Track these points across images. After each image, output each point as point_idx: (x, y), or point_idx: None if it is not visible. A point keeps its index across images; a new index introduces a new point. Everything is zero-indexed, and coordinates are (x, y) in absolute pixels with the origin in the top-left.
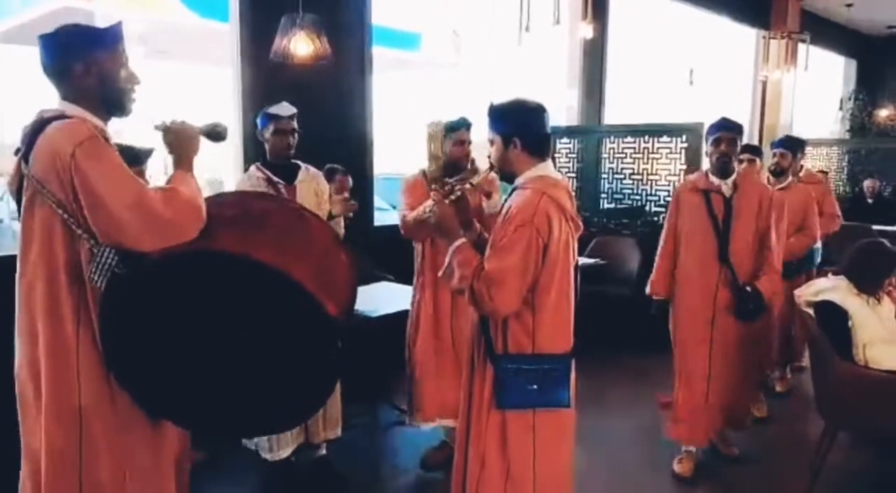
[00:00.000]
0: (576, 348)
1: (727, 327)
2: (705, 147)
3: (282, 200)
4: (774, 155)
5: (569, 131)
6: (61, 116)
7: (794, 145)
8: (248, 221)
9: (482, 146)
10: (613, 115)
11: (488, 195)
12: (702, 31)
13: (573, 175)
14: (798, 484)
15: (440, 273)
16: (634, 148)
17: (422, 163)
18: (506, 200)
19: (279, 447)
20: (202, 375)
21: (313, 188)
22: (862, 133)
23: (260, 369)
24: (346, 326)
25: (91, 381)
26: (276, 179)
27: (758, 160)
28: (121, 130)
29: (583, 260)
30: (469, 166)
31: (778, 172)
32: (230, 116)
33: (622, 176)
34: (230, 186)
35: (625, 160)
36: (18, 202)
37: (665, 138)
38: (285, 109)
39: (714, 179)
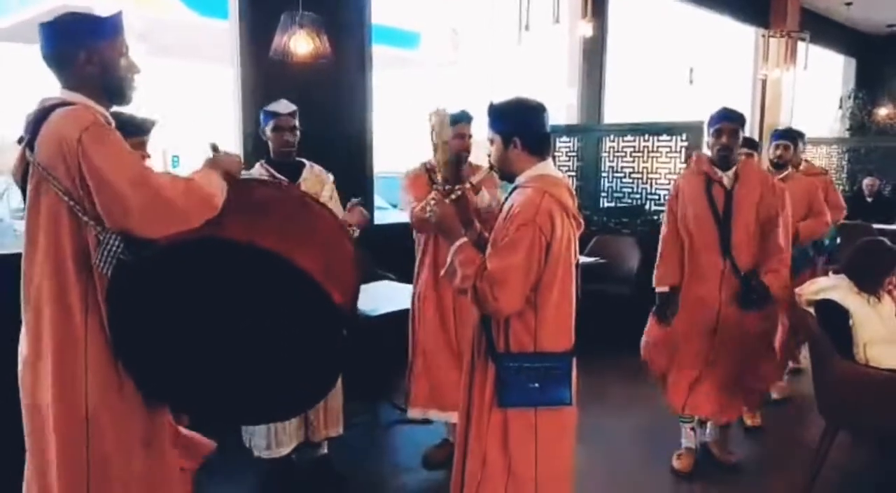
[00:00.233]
0: (576, 346)
1: (733, 319)
2: (706, 138)
3: (286, 188)
4: (777, 147)
5: (568, 130)
6: (64, 104)
7: (794, 137)
8: (253, 208)
9: (482, 144)
10: (613, 113)
11: (477, 190)
12: (701, 30)
13: (573, 174)
14: (797, 485)
15: (442, 272)
16: (634, 147)
17: (422, 159)
18: (506, 199)
19: (277, 445)
20: (208, 361)
21: (318, 186)
22: (861, 132)
23: (265, 356)
24: (350, 314)
25: (99, 370)
26: (279, 176)
27: (755, 154)
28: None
29: (582, 259)
30: (468, 162)
31: (780, 165)
32: (230, 113)
33: (622, 175)
34: None
35: (625, 159)
36: (24, 191)
37: (665, 137)
38: (284, 105)
39: (716, 170)
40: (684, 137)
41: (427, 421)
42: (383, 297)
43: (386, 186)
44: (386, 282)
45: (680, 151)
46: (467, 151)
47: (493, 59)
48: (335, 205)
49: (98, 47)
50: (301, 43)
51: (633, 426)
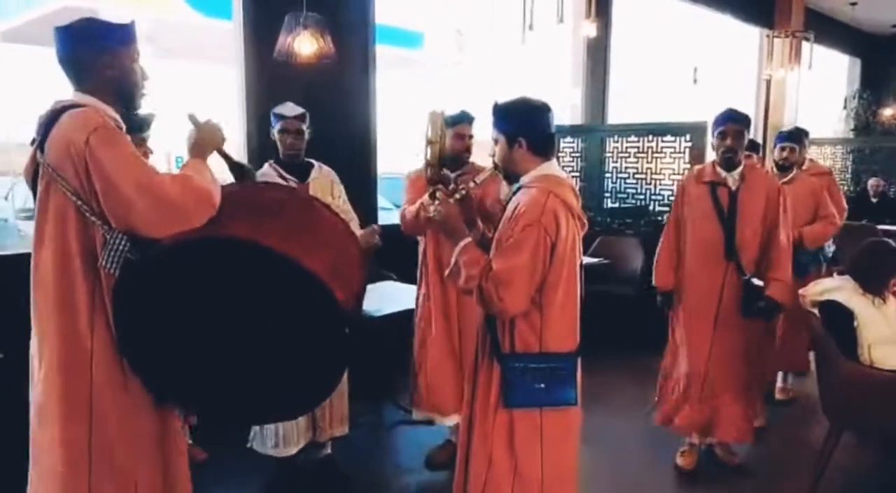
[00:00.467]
0: (580, 346)
1: (731, 326)
2: (711, 140)
3: (292, 190)
4: (783, 149)
5: (572, 130)
6: (75, 106)
7: (800, 138)
8: (259, 209)
9: (485, 144)
10: (617, 114)
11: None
12: (706, 30)
13: (577, 174)
14: (802, 486)
15: (446, 273)
16: (638, 147)
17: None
18: (510, 200)
19: (286, 444)
20: (213, 360)
21: (328, 187)
22: (866, 132)
23: (270, 355)
24: (355, 315)
25: (104, 368)
26: (287, 176)
27: (754, 156)
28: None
29: (586, 260)
30: (470, 163)
31: (785, 167)
32: (234, 114)
33: (626, 175)
34: None
35: (628, 159)
36: (34, 192)
37: (669, 137)
38: (290, 108)
39: (720, 171)
40: (688, 137)
41: (430, 422)
42: (387, 297)
43: (389, 187)
44: (389, 282)
45: (684, 152)
46: (468, 151)
47: (496, 59)
48: (345, 203)
49: (118, 53)
50: (305, 43)
51: (637, 426)
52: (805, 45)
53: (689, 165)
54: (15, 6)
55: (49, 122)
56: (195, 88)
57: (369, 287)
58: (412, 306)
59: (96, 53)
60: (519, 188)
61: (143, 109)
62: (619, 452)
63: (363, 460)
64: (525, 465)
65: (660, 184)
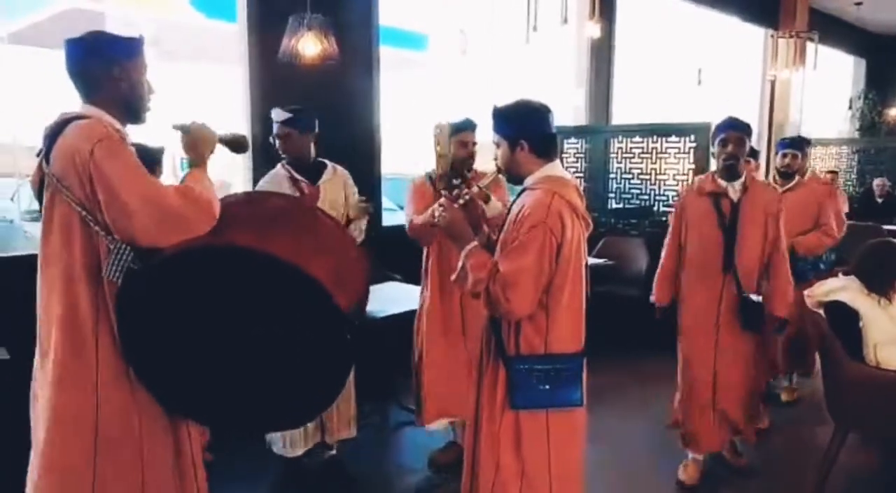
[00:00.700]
0: (585, 347)
1: (732, 338)
2: (712, 148)
3: (295, 199)
4: (785, 156)
5: (576, 131)
6: (80, 118)
7: (802, 146)
8: (262, 218)
9: (489, 147)
10: (621, 114)
11: (486, 199)
12: (710, 31)
13: (581, 175)
14: (807, 487)
15: (453, 277)
16: (642, 148)
17: (428, 164)
18: (515, 202)
19: (292, 445)
20: (216, 369)
21: (340, 187)
22: (872, 132)
23: (273, 362)
24: (358, 317)
25: (109, 380)
26: (298, 177)
27: (752, 161)
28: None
29: (590, 260)
30: (473, 170)
31: (788, 174)
32: (238, 116)
33: (630, 176)
34: (238, 187)
35: (633, 160)
36: (40, 202)
37: (673, 138)
38: (278, 113)
39: (721, 182)
40: (693, 138)
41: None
42: (390, 298)
43: (393, 188)
44: (393, 283)
45: (688, 153)
46: (471, 158)
47: (500, 60)
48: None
49: (126, 66)
50: (309, 45)
51: (641, 427)
52: (810, 46)
53: (693, 166)
54: (20, 8)
55: (54, 133)
56: (198, 90)
57: (373, 288)
58: (416, 307)
59: (105, 67)
60: (523, 190)
61: (153, 143)
62: (624, 453)
63: (368, 460)
64: (532, 467)
65: (664, 185)
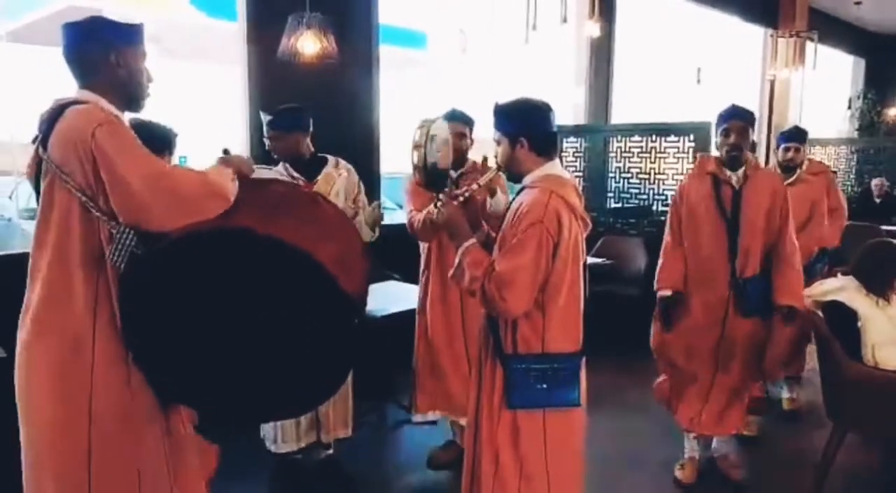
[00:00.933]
0: (583, 347)
1: (738, 327)
2: (715, 138)
3: (295, 186)
4: (788, 150)
5: (576, 130)
6: (77, 103)
7: (803, 138)
8: (265, 203)
9: (488, 144)
10: (620, 113)
11: (492, 193)
12: (709, 30)
13: (580, 174)
14: (805, 488)
15: (450, 274)
16: (641, 147)
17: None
18: (513, 200)
19: (284, 441)
20: (218, 354)
21: (342, 182)
22: (871, 132)
23: (277, 348)
24: (361, 306)
25: (106, 367)
26: (295, 174)
27: (750, 155)
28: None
29: (589, 260)
30: (470, 166)
31: (790, 168)
32: (238, 114)
33: (629, 175)
34: None
35: (632, 159)
36: (37, 190)
37: (672, 137)
38: (263, 117)
39: (724, 170)
40: (692, 137)
41: (433, 422)
42: (390, 297)
43: (392, 187)
44: (392, 282)
45: (687, 152)
46: (465, 152)
47: (500, 59)
48: (340, 199)
49: (124, 52)
50: (308, 44)
51: (640, 427)
52: (809, 45)
53: (692, 165)
54: (20, 6)
55: (51, 118)
56: (198, 89)
57: (372, 287)
58: (415, 305)
59: (103, 51)
60: (522, 189)
61: (162, 123)
62: (623, 453)
63: (366, 459)
64: (530, 465)
65: (663, 184)
